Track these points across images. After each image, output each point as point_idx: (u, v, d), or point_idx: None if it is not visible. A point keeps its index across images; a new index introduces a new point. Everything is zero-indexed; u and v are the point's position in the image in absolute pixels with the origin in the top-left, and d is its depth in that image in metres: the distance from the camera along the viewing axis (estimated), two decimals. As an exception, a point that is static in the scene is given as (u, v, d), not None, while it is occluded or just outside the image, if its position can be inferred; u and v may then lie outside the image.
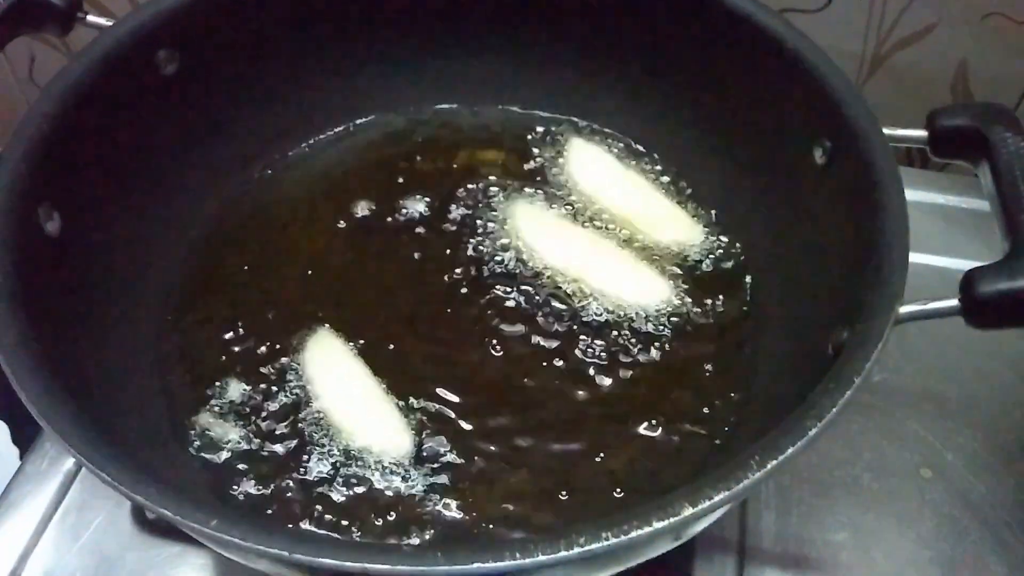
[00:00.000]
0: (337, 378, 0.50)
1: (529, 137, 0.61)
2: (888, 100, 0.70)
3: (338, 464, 0.47)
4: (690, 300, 0.54)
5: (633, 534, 0.32)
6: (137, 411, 0.47)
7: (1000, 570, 0.50)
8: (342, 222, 0.57)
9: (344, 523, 0.45)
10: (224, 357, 0.51)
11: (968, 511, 0.52)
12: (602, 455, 0.47)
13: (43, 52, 0.79)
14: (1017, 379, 0.58)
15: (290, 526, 0.45)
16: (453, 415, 0.49)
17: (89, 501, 0.52)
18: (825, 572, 0.50)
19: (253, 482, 0.47)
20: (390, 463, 0.47)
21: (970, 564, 0.51)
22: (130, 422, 0.45)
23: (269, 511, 0.46)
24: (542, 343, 0.52)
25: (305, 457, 0.47)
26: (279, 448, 0.48)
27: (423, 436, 0.48)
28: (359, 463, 0.47)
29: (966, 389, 0.57)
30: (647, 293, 0.53)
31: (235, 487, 0.46)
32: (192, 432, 0.48)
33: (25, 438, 0.58)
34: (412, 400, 0.49)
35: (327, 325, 0.52)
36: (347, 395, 0.50)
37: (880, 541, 0.51)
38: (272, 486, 0.46)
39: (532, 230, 0.56)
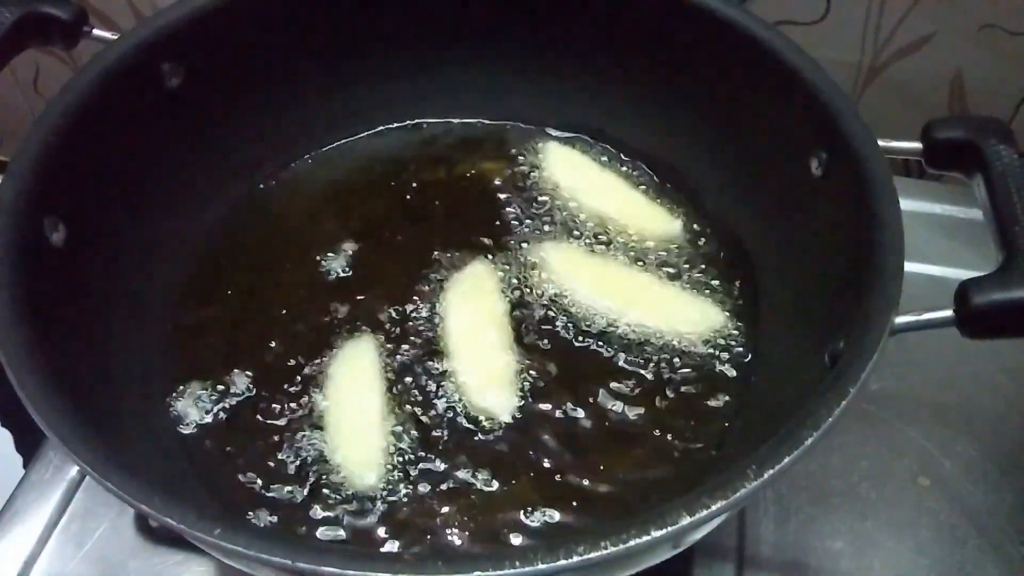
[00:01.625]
0: (350, 393, 0.50)
1: (535, 149, 0.62)
2: (884, 111, 0.70)
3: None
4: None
5: (632, 543, 0.33)
6: (141, 420, 0.47)
7: (998, 578, 0.51)
8: (346, 232, 0.58)
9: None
10: (228, 368, 0.52)
11: (966, 519, 0.52)
12: (601, 465, 0.48)
13: (48, 64, 0.80)
14: (1015, 387, 0.58)
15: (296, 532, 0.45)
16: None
17: (93, 509, 0.53)
18: (823, 580, 0.51)
19: (256, 487, 0.47)
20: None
21: (968, 572, 0.51)
22: (134, 432, 0.45)
23: (270, 518, 0.46)
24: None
25: (310, 472, 0.48)
26: (284, 458, 0.48)
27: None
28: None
29: (964, 398, 0.58)
30: (699, 322, 0.53)
31: (238, 494, 0.47)
32: (195, 442, 0.49)
33: (28, 446, 0.58)
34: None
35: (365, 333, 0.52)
36: (350, 413, 0.49)
37: (878, 549, 0.51)
38: (273, 493, 0.47)
39: (567, 271, 0.56)
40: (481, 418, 0.49)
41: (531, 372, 0.51)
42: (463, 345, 0.52)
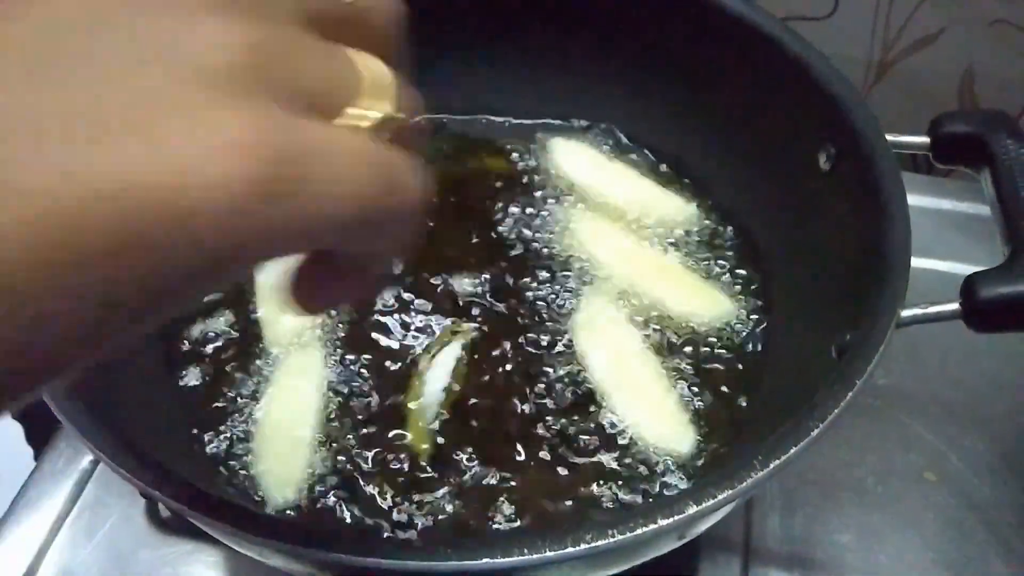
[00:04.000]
0: (291, 405, 0.49)
1: (543, 142, 0.62)
2: (894, 106, 0.70)
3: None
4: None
5: (639, 531, 0.33)
6: (153, 409, 0.48)
7: (1004, 572, 0.51)
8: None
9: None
10: (235, 355, 0.52)
11: (972, 514, 0.53)
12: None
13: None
14: (1022, 382, 0.58)
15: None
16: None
17: (104, 499, 0.53)
18: (829, 573, 0.51)
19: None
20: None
21: (974, 566, 0.51)
22: (147, 419, 0.45)
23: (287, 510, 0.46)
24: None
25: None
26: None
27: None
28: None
29: (971, 392, 0.58)
30: (710, 310, 0.53)
31: (245, 478, 0.47)
32: (204, 427, 0.49)
33: (39, 437, 0.59)
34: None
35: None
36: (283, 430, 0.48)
37: (884, 543, 0.52)
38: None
39: (593, 240, 0.56)
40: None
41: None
42: (616, 386, 0.49)
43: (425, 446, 0.47)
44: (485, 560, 0.32)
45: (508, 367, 0.50)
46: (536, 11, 0.60)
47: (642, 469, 0.46)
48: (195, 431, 0.49)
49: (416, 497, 0.45)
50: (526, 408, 0.48)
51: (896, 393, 0.57)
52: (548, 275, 0.55)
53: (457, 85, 0.62)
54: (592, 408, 0.48)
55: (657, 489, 0.46)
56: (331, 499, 0.45)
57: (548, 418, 0.48)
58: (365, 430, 0.48)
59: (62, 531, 0.52)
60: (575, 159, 0.61)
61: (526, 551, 0.32)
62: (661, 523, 0.33)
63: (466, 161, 0.62)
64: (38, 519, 0.52)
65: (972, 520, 0.52)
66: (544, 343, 0.51)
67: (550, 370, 0.50)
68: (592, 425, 0.48)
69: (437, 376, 0.50)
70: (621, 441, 0.47)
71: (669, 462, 0.47)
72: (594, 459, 0.47)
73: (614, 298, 0.53)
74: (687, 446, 0.47)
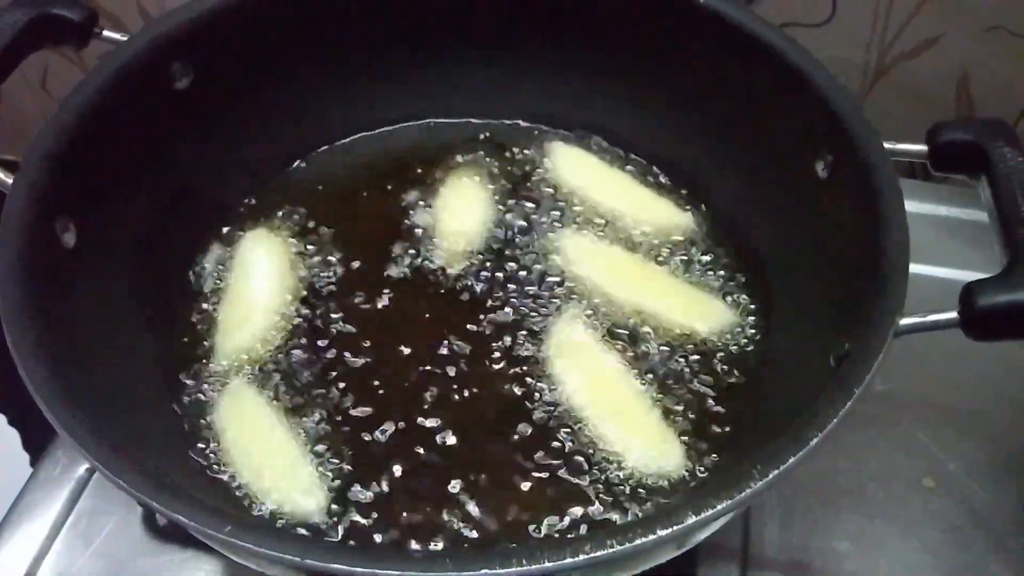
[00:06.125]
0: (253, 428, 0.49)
1: (542, 147, 0.62)
2: (891, 112, 0.70)
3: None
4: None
5: (637, 542, 0.33)
6: (150, 419, 0.48)
7: (1003, 578, 0.51)
8: (353, 231, 0.58)
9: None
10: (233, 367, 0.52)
11: (972, 520, 0.53)
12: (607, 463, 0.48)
13: (56, 63, 0.80)
14: (1020, 389, 0.58)
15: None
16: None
17: (101, 507, 0.53)
18: (828, 580, 0.51)
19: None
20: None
21: (973, 572, 0.51)
22: (143, 429, 0.45)
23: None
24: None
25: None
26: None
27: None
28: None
29: (970, 399, 0.58)
30: (709, 320, 0.53)
31: (239, 488, 0.47)
32: (203, 438, 0.49)
33: (35, 444, 0.58)
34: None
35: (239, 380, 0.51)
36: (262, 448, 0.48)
37: (884, 550, 0.52)
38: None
39: (581, 260, 0.56)
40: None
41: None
42: (595, 410, 0.49)
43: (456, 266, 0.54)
44: (484, 571, 0.32)
45: (487, 388, 0.50)
46: (534, 16, 0.60)
47: (632, 492, 0.46)
48: (191, 440, 0.49)
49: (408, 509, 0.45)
50: (510, 433, 0.48)
51: (894, 399, 0.57)
52: (531, 292, 0.55)
53: (455, 88, 0.62)
54: (573, 432, 0.48)
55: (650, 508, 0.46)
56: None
57: (529, 445, 0.48)
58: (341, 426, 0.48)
59: (59, 539, 0.52)
60: (572, 164, 0.61)
61: (524, 562, 0.32)
62: (660, 533, 0.33)
63: (462, 163, 0.61)
64: (35, 527, 0.52)
65: (971, 526, 0.52)
66: (523, 366, 0.51)
67: (531, 393, 0.50)
68: (575, 449, 0.48)
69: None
70: (606, 465, 0.47)
71: (659, 481, 0.47)
72: (579, 483, 0.47)
73: (593, 317, 0.53)
74: (674, 465, 0.47)
